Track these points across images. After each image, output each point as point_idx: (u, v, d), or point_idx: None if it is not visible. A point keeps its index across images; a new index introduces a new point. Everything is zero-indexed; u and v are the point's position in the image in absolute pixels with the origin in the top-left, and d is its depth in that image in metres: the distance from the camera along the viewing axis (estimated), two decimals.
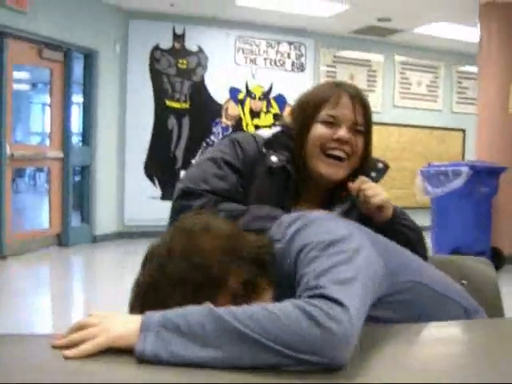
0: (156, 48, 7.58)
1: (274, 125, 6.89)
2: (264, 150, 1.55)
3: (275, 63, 8.22)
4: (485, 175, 5.71)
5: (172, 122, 7.68)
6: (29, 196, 10.74)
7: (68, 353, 0.93)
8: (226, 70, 7.92)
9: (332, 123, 1.51)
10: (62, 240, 6.76)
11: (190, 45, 7.74)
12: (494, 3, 6.24)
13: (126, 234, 7.47)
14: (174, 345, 0.92)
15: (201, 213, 1.28)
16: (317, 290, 0.97)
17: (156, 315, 0.97)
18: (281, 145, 1.57)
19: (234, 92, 7.96)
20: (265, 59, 8.17)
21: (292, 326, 0.91)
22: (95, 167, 7.16)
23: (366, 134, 1.55)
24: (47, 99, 7.04)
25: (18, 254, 6.03)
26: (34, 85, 12.34)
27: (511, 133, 6.19)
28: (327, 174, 1.51)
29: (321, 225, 1.16)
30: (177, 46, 7.68)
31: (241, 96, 8.01)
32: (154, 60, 7.57)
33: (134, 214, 7.52)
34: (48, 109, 7.05)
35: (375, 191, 1.47)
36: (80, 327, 0.99)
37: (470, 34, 7.29)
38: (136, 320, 0.97)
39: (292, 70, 8.31)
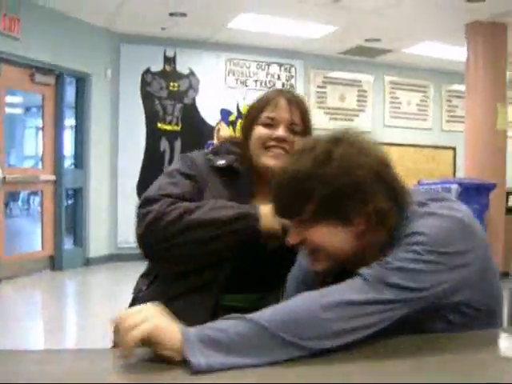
0: (147, 71, 7.64)
1: None
2: (211, 157, 1.69)
3: (265, 85, 8.29)
4: (474, 192, 5.75)
5: (164, 144, 7.72)
6: (22, 220, 10.72)
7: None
8: (217, 92, 7.98)
9: (271, 124, 1.64)
10: (54, 263, 6.75)
11: (181, 68, 7.81)
12: (480, 23, 6.35)
13: (119, 257, 7.45)
14: (224, 358, 0.97)
15: (363, 137, 1.25)
16: (372, 276, 1.08)
17: (193, 330, 1.01)
18: (225, 150, 1.72)
19: (225, 114, 8.02)
20: (255, 81, 8.25)
21: (315, 324, 1.03)
22: (88, 190, 7.18)
23: (305, 136, 1.65)
24: (40, 123, 7.07)
25: (11, 277, 6.02)
26: (27, 109, 12.36)
27: (499, 150, 6.26)
28: (274, 165, 1.59)
29: (453, 226, 1.16)
30: (168, 68, 7.75)
31: (232, 118, 8.07)
32: (145, 83, 7.63)
33: (126, 237, 7.50)
34: (41, 132, 7.07)
35: None
36: (121, 320, 1.01)
37: (457, 53, 7.37)
38: (173, 323, 1.02)
39: None
